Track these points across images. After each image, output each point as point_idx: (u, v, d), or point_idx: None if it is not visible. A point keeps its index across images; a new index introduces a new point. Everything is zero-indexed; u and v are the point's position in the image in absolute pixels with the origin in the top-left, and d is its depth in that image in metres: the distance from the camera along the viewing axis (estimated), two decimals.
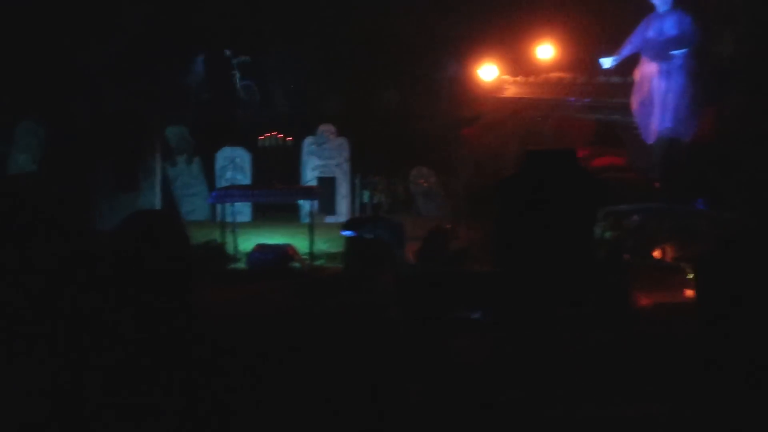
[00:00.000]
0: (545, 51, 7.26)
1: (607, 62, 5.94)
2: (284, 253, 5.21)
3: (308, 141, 8.11)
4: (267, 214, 8.28)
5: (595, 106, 6.31)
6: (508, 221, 4.01)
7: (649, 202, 5.93)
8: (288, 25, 8.80)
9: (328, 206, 8.08)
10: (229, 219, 6.32)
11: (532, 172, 3.95)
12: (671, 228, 5.73)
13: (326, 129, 8.20)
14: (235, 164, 8.16)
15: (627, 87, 6.02)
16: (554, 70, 6.99)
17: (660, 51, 5.57)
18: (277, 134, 5.59)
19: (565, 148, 4.06)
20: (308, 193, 5.78)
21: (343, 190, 8.13)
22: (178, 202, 8.13)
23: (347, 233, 4.70)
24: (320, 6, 8.43)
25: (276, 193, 5.80)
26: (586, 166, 4.66)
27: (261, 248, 5.39)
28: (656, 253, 5.14)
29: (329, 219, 7.85)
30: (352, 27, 8.47)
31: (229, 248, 5.89)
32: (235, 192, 6.04)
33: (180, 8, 8.17)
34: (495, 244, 4.14)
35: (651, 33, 5.74)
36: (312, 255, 5.93)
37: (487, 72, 7.03)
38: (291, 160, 7.86)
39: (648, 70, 5.75)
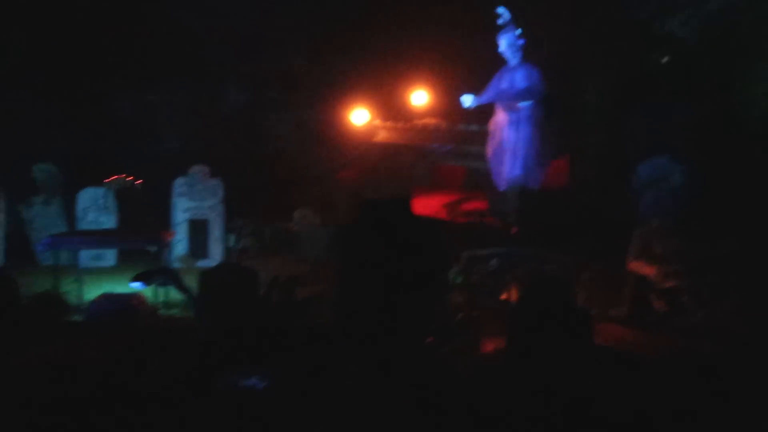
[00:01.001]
0: (414, 97, 7.52)
1: (468, 100, 6.18)
2: (128, 303, 4.92)
3: (179, 182, 7.85)
4: (135, 257, 7.94)
5: (457, 153, 6.56)
6: (343, 272, 3.99)
7: (507, 247, 6.17)
8: (173, 63, 8.64)
9: (200, 250, 7.83)
10: (83, 264, 5.95)
11: (366, 222, 3.98)
12: (523, 272, 5.97)
13: (199, 169, 8.01)
14: (98, 205, 7.78)
15: (484, 135, 6.31)
16: (422, 116, 7.22)
17: (510, 102, 5.89)
18: (126, 176, 5.35)
19: (399, 197, 4.10)
20: (153, 238, 5.52)
21: (216, 233, 7.94)
22: (33, 246, 7.61)
23: (135, 285, 4.52)
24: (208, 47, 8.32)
25: (114, 239, 5.50)
26: (422, 215, 4.76)
27: (104, 298, 5.06)
28: (504, 296, 5.31)
29: (201, 263, 7.62)
30: (233, 66, 8.43)
31: (74, 298, 5.56)
32: (70, 239, 5.66)
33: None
34: (333, 295, 4.10)
35: (504, 84, 6.07)
36: (167, 304, 5.68)
37: (359, 116, 7.15)
38: (160, 202, 7.66)
39: (500, 119, 6.05)
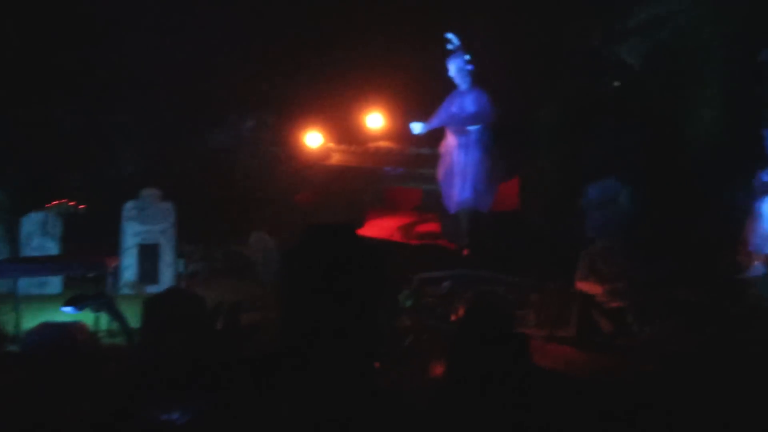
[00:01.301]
0: (369, 120, 7.56)
1: (417, 127, 6.25)
2: (67, 333, 4.74)
3: (129, 206, 7.67)
4: (82, 284, 7.71)
5: (409, 176, 6.61)
6: (287, 297, 3.96)
7: (459, 269, 6.21)
8: (127, 84, 8.52)
9: (150, 275, 7.65)
10: (26, 291, 5.74)
11: (310, 247, 3.96)
12: (474, 294, 6.00)
13: (150, 193, 7.85)
14: (45, 230, 7.54)
15: (436, 158, 6.39)
16: (377, 139, 7.26)
17: (460, 126, 5.99)
18: (68, 201, 5.21)
19: (346, 223, 4.10)
20: (95, 264, 5.35)
21: (167, 257, 7.76)
22: None
23: (67, 310, 4.40)
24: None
25: (54, 266, 5.34)
26: (368, 239, 4.76)
27: (42, 327, 4.87)
28: (454, 318, 5.31)
29: (152, 289, 7.43)
30: (189, 88, 8.35)
31: (12, 327, 5.34)
32: (7, 266, 5.43)
33: None
34: (278, 321, 4.05)
35: (454, 108, 6.17)
36: (111, 332, 5.51)
37: (313, 139, 7.15)
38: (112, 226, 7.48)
39: (450, 143, 6.14)
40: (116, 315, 4.25)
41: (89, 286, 7.28)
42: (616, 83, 9.08)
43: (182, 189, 8.08)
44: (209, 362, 4.12)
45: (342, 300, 3.89)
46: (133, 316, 5.93)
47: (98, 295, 4.65)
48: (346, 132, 7.82)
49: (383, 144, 7.05)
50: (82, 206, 5.28)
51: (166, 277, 7.96)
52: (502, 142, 6.43)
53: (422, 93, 7.42)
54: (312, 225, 4.05)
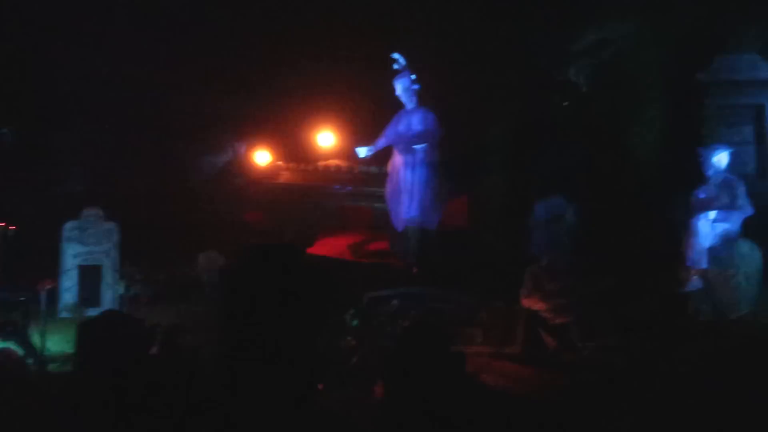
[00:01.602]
0: (321, 139, 7.54)
1: (362, 152, 6.26)
2: None
3: (69, 226, 7.41)
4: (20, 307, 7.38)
5: (357, 194, 6.60)
6: (226, 319, 3.86)
7: (408, 287, 6.19)
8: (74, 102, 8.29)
9: (92, 297, 7.38)
10: None
11: (251, 268, 3.88)
12: (422, 312, 6.00)
13: (93, 213, 7.60)
14: None
15: (384, 176, 6.39)
16: (328, 157, 7.25)
17: (407, 144, 6.02)
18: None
19: (286, 244, 4.04)
20: (20, 289, 5.10)
21: (109, 279, 7.47)
22: None
23: None
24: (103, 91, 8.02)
25: None
26: (310, 261, 4.72)
27: None
28: None
29: (93, 312, 7.17)
30: (137, 106, 8.19)
31: None
32: None
33: None
34: (218, 343, 3.94)
35: (401, 127, 6.20)
36: (43, 359, 5.28)
37: (261, 157, 7.08)
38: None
39: (397, 161, 6.16)
40: (24, 343, 4.07)
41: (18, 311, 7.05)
42: (565, 103, 9.31)
43: (127, 208, 7.90)
44: (142, 387, 3.98)
45: (282, 321, 3.81)
46: (69, 341, 5.73)
47: (7, 322, 4.44)
48: (297, 150, 7.79)
49: (333, 162, 7.04)
50: (12, 227, 5.06)
51: (108, 300, 7.70)
52: (451, 160, 6.49)
53: (373, 111, 7.46)
54: (253, 244, 3.97)
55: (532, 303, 5.44)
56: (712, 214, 5.89)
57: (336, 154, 7.45)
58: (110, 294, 7.43)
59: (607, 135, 8.89)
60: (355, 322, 5.30)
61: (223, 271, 4.05)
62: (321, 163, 7.15)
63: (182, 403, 3.91)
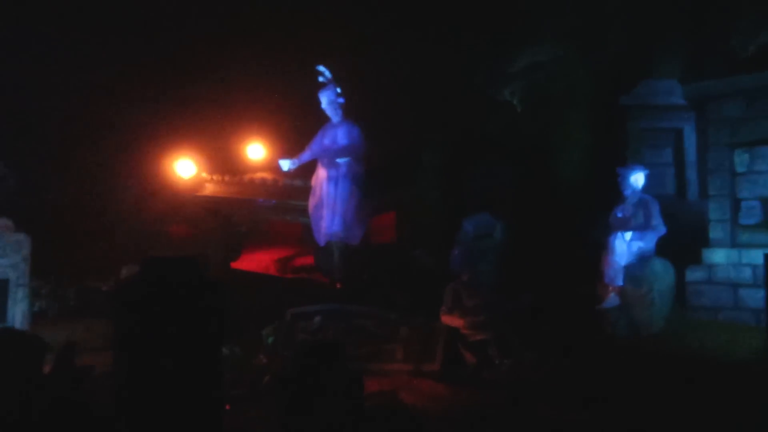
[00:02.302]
0: (251, 151, 7.38)
1: (285, 165, 6.14)
2: None
3: None
4: None
5: (281, 208, 6.47)
6: (120, 337, 3.66)
7: (331, 303, 6.08)
8: None
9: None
10: None
11: (147, 282, 3.70)
12: (344, 329, 5.89)
13: (1, 223, 7.19)
14: None
15: (309, 190, 6.29)
16: (257, 170, 7.09)
17: (331, 158, 5.95)
18: None
19: (189, 256, 3.87)
20: None
21: (18, 294, 7.06)
22: None
23: None
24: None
25: None
26: (214, 275, 4.57)
27: None
28: None
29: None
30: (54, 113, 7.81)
31: None
32: None
33: None
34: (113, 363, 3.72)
35: (326, 141, 6.13)
36: None
37: (185, 168, 6.87)
38: None
39: (321, 175, 6.07)
40: None
41: None
42: (498, 124, 9.47)
43: (40, 220, 7.49)
44: (31, 408, 3.72)
45: (179, 339, 3.63)
46: None
47: None
48: (224, 162, 7.60)
49: (261, 175, 6.89)
50: None
51: (17, 316, 7.27)
52: (378, 174, 6.45)
53: (304, 123, 7.37)
54: (149, 258, 3.78)
55: (451, 320, 5.41)
56: (629, 234, 6.05)
57: (265, 167, 7.29)
58: (19, 310, 7.00)
59: (536, 155, 9.11)
60: (270, 339, 5.15)
61: (117, 287, 3.83)
62: (247, 176, 6.99)
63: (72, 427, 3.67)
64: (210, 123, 7.07)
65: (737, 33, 8.40)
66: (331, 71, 6.00)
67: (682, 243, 6.69)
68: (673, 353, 5.32)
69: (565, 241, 7.06)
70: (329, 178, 5.91)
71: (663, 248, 6.80)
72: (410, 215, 7.40)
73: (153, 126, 6.51)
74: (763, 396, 4.10)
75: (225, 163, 7.29)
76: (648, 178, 6.58)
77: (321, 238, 6.01)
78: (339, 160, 5.83)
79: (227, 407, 4.55)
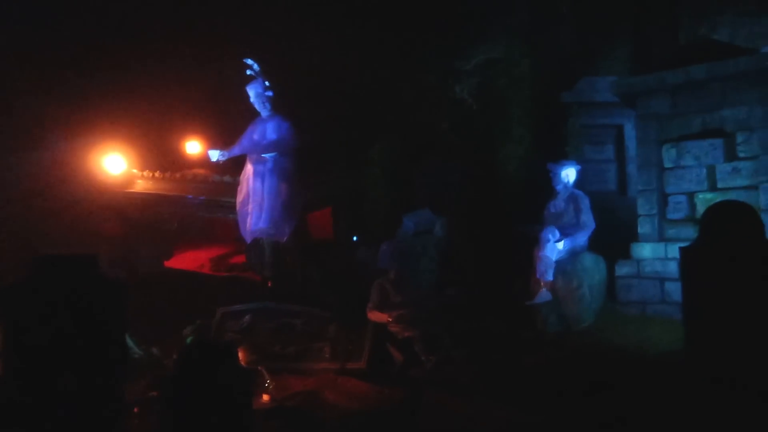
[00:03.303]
0: (189, 147, 7.21)
1: (214, 155, 5.96)
2: None
3: None
4: None
5: (211, 204, 6.32)
6: (10, 339, 3.49)
7: (261, 302, 5.95)
8: None
9: None
10: None
11: (37, 281, 3.54)
12: (273, 327, 5.78)
13: None
14: None
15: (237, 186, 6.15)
16: (194, 166, 6.92)
17: (260, 153, 5.81)
18: None
19: (84, 253, 3.72)
20: None
21: None
22: None
23: None
24: None
25: None
26: (110, 273, 4.41)
27: None
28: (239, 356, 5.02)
29: None
30: None
31: None
32: None
33: None
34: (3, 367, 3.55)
35: (256, 136, 5.98)
36: None
37: (114, 164, 6.66)
38: None
39: (248, 170, 5.93)
40: None
41: None
42: (448, 120, 9.44)
43: None
44: None
45: (69, 342, 3.48)
46: None
47: None
48: (162, 158, 7.40)
49: (194, 171, 6.72)
50: None
51: None
52: (312, 170, 6.34)
53: (240, 119, 7.21)
54: (40, 256, 3.62)
55: (377, 316, 5.33)
56: (556, 234, 6.04)
57: (203, 164, 7.12)
58: None
59: (482, 151, 9.11)
60: (189, 339, 5.01)
61: (3, 287, 3.65)
62: (179, 173, 6.81)
63: None
64: (143, 118, 6.87)
65: (681, 28, 8.56)
66: (260, 64, 5.84)
67: (624, 238, 6.76)
68: (598, 348, 5.33)
69: (503, 237, 7.05)
70: (256, 174, 5.76)
71: (601, 243, 6.86)
72: (348, 211, 7.31)
73: (77, 120, 6.28)
74: (671, 391, 4.12)
75: (160, 160, 7.10)
76: (580, 173, 6.59)
77: (247, 235, 5.87)
78: (266, 155, 5.71)
79: (135, 410, 4.42)
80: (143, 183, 6.67)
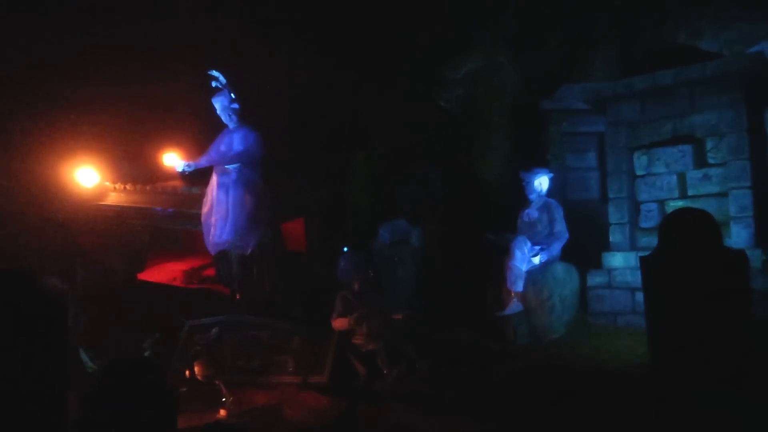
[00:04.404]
0: (167, 159, 7.17)
1: (180, 166, 5.95)
2: None
3: None
4: None
5: (179, 216, 6.29)
6: None
7: (228, 314, 5.89)
8: None
9: None
10: None
11: None
12: (239, 340, 5.71)
13: None
14: None
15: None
16: (166, 179, 6.90)
17: (225, 165, 5.78)
18: None
19: (19, 269, 3.68)
20: None
21: None
22: None
23: None
24: None
25: None
26: (50, 285, 4.36)
27: None
28: (196, 370, 4.95)
29: None
30: None
31: None
32: None
33: None
34: None
35: (223, 147, 5.95)
36: None
37: (87, 177, 6.65)
38: None
39: (213, 182, 5.88)
40: None
41: None
42: (430, 129, 9.38)
43: None
44: None
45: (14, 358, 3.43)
46: None
47: None
48: (136, 171, 7.38)
49: (167, 184, 6.70)
50: None
51: None
52: (283, 181, 6.29)
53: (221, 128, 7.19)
54: None
55: (340, 323, 5.23)
56: (528, 241, 5.94)
57: (177, 176, 7.10)
58: None
59: (464, 160, 9.04)
60: (147, 353, 4.95)
61: None
62: (151, 185, 6.79)
63: None
64: (116, 130, 6.87)
65: (659, 34, 8.48)
66: (226, 75, 5.82)
67: (606, 246, 6.65)
68: (567, 360, 5.22)
69: (479, 247, 6.96)
70: (220, 185, 5.71)
71: (582, 252, 6.76)
72: (325, 222, 7.24)
73: (46, 132, 6.28)
74: (635, 402, 4.01)
75: (135, 172, 7.09)
76: (553, 180, 6.53)
77: (211, 246, 5.83)
78: (229, 167, 5.67)
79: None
80: (115, 195, 6.66)
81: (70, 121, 6.61)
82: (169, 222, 6.39)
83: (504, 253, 6.03)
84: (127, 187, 6.59)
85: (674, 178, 5.61)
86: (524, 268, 5.81)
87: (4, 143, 6.00)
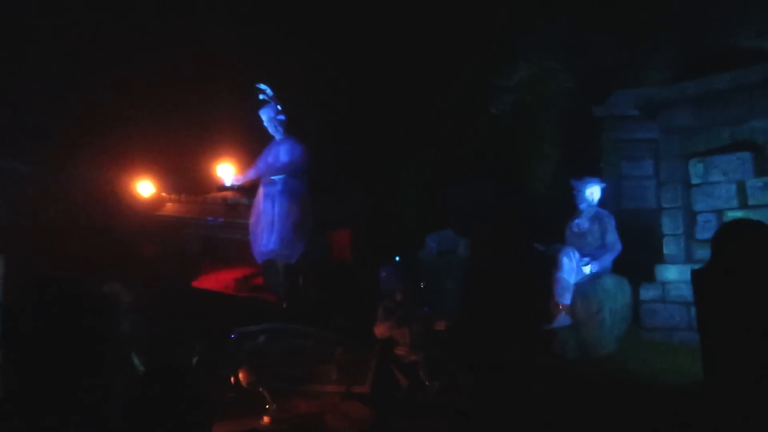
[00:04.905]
0: (220, 170, 7.41)
1: (228, 180, 6.12)
2: None
3: None
4: None
5: (229, 226, 6.46)
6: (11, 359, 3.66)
7: (275, 322, 5.99)
8: None
9: None
10: None
11: (34, 301, 3.70)
12: (285, 348, 5.79)
13: None
14: None
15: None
16: (215, 190, 7.12)
17: (271, 176, 5.90)
18: None
19: (74, 275, 3.86)
20: None
21: None
22: None
23: None
24: None
25: None
26: (97, 296, 4.52)
27: None
28: (241, 377, 5.05)
29: None
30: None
31: None
32: None
33: None
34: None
35: (270, 159, 6.09)
36: None
37: (144, 188, 6.95)
38: None
39: (260, 193, 6.02)
40: None
41: None
42: (480, 138, 9.28)
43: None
44: None
45: (63, 363, 3.61)
46: None
47: None
48: (191, 182, 7.65)
49: (219, 195, 6.91)
50: None
51: None
52: (330, 191, 6.37)
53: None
54: (34, 278, 3.80)
55: (382, 330, 5.22)
56: (576, 252, 5.76)
57: (237, 187, 7.31)
58: None
59: (515, 169, 8.88)
60: (195, 360, 5.10)
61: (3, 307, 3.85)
62: (202, 196, 7.03)
63: None
64: (174, 142, 7.15)
65: (722, 37, 8.09)
66: (273, 89, 5.97)
67: (660, 259, 6.37)
68: (615, 377, 5.02)
69: (528, 258, 6.81)
70: (266, 196, 5.85)
71: (637, 264, 6.50)
72: (373, 231, 7.28)
73: (117, 146, 6.62)
74: (686, 427, 3.81)
75: (190, 183, 7.35)
76: (606, 191, 6.32)
77: (259, 256, 5.96)
78: (275, 177, 5.80)
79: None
80: (170, 206, 6.93)
81: (129, 136, 6.96)
82: (219, 231, 6.60)
83: (552, 264, 5.91)
84: (182, 198, 6.86)
85: (733, 187, 5.33)
86: (572, 280, 5.64)
87: (73, 160, 6.38)
